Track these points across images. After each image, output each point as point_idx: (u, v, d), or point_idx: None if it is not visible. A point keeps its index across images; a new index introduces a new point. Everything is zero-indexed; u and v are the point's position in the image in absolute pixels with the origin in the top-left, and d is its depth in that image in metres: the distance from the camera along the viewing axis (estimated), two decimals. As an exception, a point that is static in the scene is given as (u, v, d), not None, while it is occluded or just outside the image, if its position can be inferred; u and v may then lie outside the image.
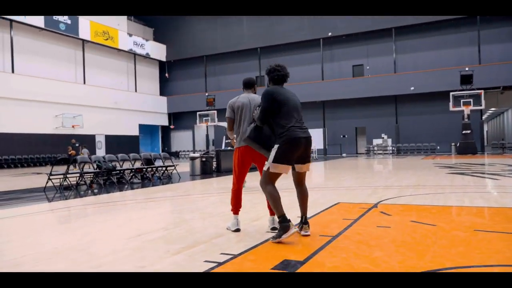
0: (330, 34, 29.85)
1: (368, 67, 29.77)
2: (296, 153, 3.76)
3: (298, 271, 2.86)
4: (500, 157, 19.71)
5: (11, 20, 24.35)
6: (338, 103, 30.17)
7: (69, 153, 19.52)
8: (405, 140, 28.40)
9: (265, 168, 3.79)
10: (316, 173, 14.02)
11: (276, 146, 3.72)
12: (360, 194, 7.05)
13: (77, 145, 20.10)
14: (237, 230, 4.22)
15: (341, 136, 30.62)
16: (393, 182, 9.02)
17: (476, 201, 5.92)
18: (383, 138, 29.16)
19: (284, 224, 3.62)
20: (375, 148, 28.88)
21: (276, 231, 3.78)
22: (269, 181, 3.78)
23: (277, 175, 3.78)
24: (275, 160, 3.69)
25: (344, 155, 28.84)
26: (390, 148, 28.57)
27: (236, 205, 4.26)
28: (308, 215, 4.99)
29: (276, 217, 3.93)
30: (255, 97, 4.30)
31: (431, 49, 28.00)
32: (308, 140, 3.80)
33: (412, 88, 27.07)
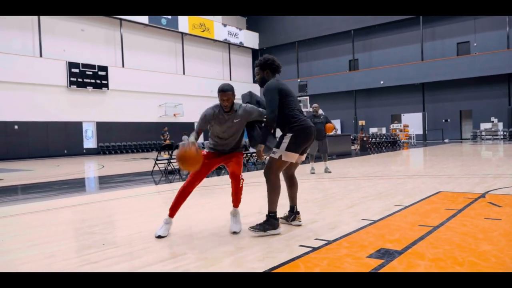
0: (431, 10, 27.65)
1: (475, 44, 27.05)
2: (307, 143, 3.75)
3: (396, 260, 2.78)
4: None
5: (120, 19, 26.81)
6: (439, 85, 28.01)
7: (164, 141, 21.54)
8: (520, 123, 25.44)
9: (275, 156, 3.66)
10: (414, 159, 13.28)
11: (288, 135, 3.64)
12: (465, 183, 6.54)
13: (167, 133, 22.17)
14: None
15: (443, 121, 28.46)
16: (505, 171, 8.19)
17: None
18: (492, 122, 26.47)
19: (274, 221, 3.65)
20: (483, 133, 26.35)
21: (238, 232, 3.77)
22: (275, 170, 3.70)
23: (285, 164, 3.70)
24: (288, 149, 3.62)
25: (446, 140, 26.80)
26: (501, 133, 25.82)
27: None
28: (407, 203, 4.85)
29: (238, 210, 3.94)
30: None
31: (555, 19, 24.51)
32: (316, 130, 3.87)
33: (530, 65, 24.04)
